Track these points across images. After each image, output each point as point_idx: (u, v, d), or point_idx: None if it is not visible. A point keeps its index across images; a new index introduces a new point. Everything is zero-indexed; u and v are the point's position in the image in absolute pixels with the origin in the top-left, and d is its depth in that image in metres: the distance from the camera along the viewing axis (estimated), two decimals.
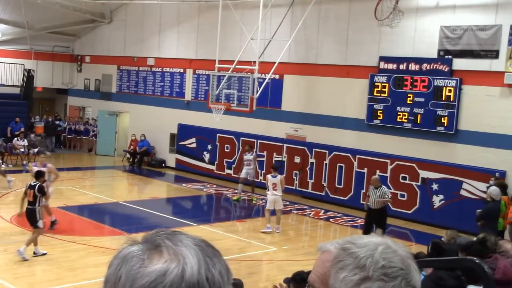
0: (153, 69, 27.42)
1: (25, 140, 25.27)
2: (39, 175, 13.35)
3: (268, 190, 16.25)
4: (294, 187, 21.45)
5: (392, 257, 1.42)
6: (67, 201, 18.71)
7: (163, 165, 26.31)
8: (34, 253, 12.67)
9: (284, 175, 18.51)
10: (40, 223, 12.78)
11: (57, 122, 30.34)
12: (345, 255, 1.44)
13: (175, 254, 1.24)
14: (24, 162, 24.60)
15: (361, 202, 17.92)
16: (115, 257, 1.28)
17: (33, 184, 12.99)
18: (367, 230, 14.65)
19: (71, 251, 13.34)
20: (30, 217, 12.81)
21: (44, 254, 12.73)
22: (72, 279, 11.53)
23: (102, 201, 19.21)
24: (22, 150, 24.91)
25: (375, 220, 14.73)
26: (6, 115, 26.92)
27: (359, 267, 1.41)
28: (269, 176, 16.49)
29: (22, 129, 26.52)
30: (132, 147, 27.12)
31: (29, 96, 29.35)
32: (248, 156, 20.67)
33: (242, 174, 20.66)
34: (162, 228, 1.33)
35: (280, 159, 21.81)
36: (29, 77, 29.32)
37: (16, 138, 25.11)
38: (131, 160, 26.93)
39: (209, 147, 24.34)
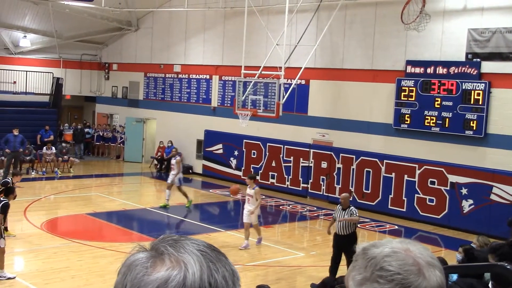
0: (180, 76, 27.58)
1: (53, 148, 25.57)
2: (8, 191, 12.55)
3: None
4: (321, 192, 21.39)
5: (393, 261, 1.44)
6: (96, 208, 18.88)
7: (190, 171, 26.42)
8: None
9: (311, 180, 18.35)
10: (2, 242, 11.62)
11: (85, 130, 30.66)
12: (360, 256, 1.50)
13: (177, 261, 1.26)
14: (55, 169, 24.88)
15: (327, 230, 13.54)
16: (122, 265, 1.31)
17: None
18: (335, 261, 12.22)
19: (100, 257, 13.44)
20: None
21: (10, 278, 11.65)
22: (101, 285, 11.61)
23: (130, 208, 19.35)
24: (51, 157, 25.20)
25: (344, 247, 11.90)
26: (36, 122, 27.26)
27: (364, 268, 1.46)
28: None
29: (51, 137, 26.85)
30: (159, 153, 27.30)
31: (58, 104, 29.70)
32: (172, 161, 20.12)
33: (168, 180, 19.95)
34: (168, 234, 1.34)
35: (306, 164, 21.76)
36: (58, 85, 29.68)
37: (45, 147, 25.41)
38: (158, 166, 27.09)
39: (236, 153, 24.38)
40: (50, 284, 11.42)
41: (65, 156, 25.61)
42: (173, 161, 19.71)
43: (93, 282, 11.72)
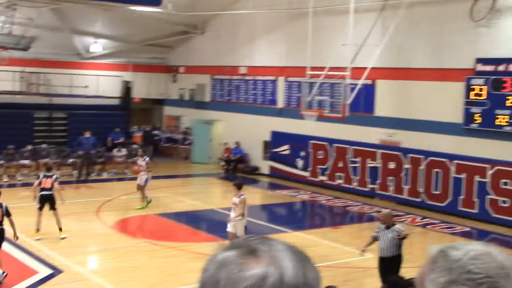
0: (245, 77, 27.81)
1: (122, 150, 26.20)
2: None
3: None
4: (389, 193, 21.15)
5: (481, 263, 1.41)
6: (165, 209, 19.25)
7: (256, 172, 26.59)
8: None
9: (382, 182, 18.10)
10: None
11: (154, 132, 31.28)
12: (439, 257, 1.47)
13: (272, 259, 1.27)
14: (125, 171, 25.50)
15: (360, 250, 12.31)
16: (210, 261, 1.32)
17: None
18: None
19: (170, 257, 13.71)
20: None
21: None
22: (171, 284, 11.86)
23: (198, 208, 19.64)
24: (122, 159, 25.84)
25: (390, 271, 10.57)
26: (106, 125, 28.04)
27: (447, 270, 1.43)
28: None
29: (122, 139, 27.54)
30: (226, 154, 27.60)
31: (128, 106, 30.46)
32: (141, 162, 19.95)
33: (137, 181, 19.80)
34: (251, 235, 1.38)
35: (374, 165, 21.57)
36: (127, 88, 30.44)
37: (115, 149, 26.08)
38: (225, 167, 27.38)
39: (302, 153, 24.38)
40: (124, 282, 11.74)
41: (135, 158, 26.20)
42: (142, 162, 19.67)
43: (164, 282, 11.97)
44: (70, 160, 24.79)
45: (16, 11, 25.88)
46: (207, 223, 18.57)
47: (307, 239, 15.63)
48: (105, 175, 25.17)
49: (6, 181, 22.69)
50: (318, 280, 1.31)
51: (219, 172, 27.22)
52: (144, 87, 32.35)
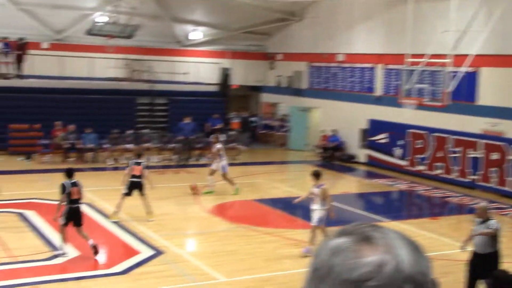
0: (343, 64, 27.60)
1: (220, 136, 26.62)
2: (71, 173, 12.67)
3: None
4: (491, 185, 20.45)
5: None
6: (262, 194, 19.50)
7: (353, 160, 26.40)
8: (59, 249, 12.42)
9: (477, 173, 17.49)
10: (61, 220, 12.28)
11: (251, 118, 31.64)
12: None
13: (388, 246, 1.25)
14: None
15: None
16: (322, 247, 1.31)
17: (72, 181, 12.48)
18: (470, 284, 10.19)
19: (266, 243, 13.90)
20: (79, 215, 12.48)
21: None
22: (266, 269, 12.03)
23: (294, 195, 19.71)
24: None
25: (480, 270, 9.86)
26: (204, 111, 28.64)
27: None
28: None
29: (220, 125, 28.05)
30: (323, 142, 27.56)
31: (226, 93, 30.95)
32: (214, 148, 19.74)
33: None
34: (359, 222, 1.34)
35: (475, 155, 20.90)
36: (226, 75, 30.92)
37: (214, 135, 26.55)
38: (322, 155, 27.34)
39: (401, 142, 23.96)
40: (221, 266, 12.02)
41: (233, 144, 26.64)
42: (214, 149, 19.61)
43: (260, 267, 12.16)
44: (171, 145, 25.49)
45: (121, 0, 26.87)
46: (303, 210, 18.58)
47: (404, 229, 15.36)
48: (203, 160, 25.72)
49: (111, 164, 23.69)
50: (430, 269, 1.29)
51: (316, 160, 27.20)
52: (242, 74, 32.73)
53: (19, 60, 26.71)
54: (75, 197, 12.26)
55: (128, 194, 15.15)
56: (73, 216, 12.23)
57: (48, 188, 17.45)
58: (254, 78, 33.10)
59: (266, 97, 33.19)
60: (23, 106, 25.74)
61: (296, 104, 30.06)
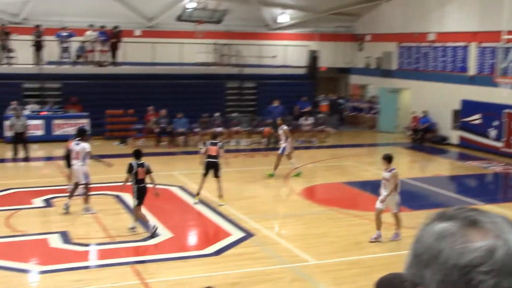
0: (434, 44, 26.87)
1: (310, 118, 26.61)
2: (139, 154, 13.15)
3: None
4: None
5: None
6: (351, 177, 19.39)
7: (445, 142, 25.76)
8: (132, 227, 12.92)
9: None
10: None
11: (340, 101, 31.41)
12: None
13: (498, 231, 1.22)
14: (312, 139, 25.96)
15: None
16: (425, 232, 1.28)
17: (139, 163, 12.85)
18: None
19: (355, 226, 13.84)
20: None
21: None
22: (357, 252, 12.00)
23: None
24: (309, 128, 26.31)
25: None
26: (293, 94, 28.67)
27: None
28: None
29: (308, 108, 28.02)
30: (413, 123, 27.02)
31: (314, 76, 30.83)
32: (279, 131, 19.20)
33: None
34: (459, 206, 1.31)
35: None
36: (314, 57, 30.79)
37: (302, 118, 26.59)
38: (412, 137, 26.83)
39: (496, 123, 23.15)
40: (310, 248, 12.08)
41: (322, 126, 26.57)
42: (280, 131, 19.20)
43: (349, 249, 12.14)
44: (260, 128, 25.68)
45: None
46: None
47: (500, 213, 14.92)
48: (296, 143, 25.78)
49: (201, 148, 24.13)
50: None
51: (406, 142, 26.74)
52: (330, 56, 32.50)
53: (114, 48, 27.63)
54: (140, 177, 12.74)
55: (205, 174, 15.39)
56: (144, 195, 12.79)
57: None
58: (343, 60, 32.80)
59: (354, 79, 32.84)
60: (118, 92, 26.64)
61: (386, 86, 29.58)
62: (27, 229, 13.08)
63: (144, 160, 13.12)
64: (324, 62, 32.02)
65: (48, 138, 24.37)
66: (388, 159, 12.61)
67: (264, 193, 17.38)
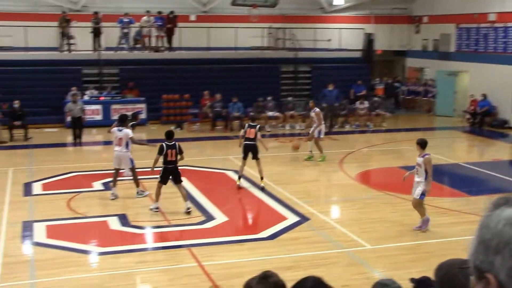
0: (495, 25, 26.15)
1: (366, 102, 26.32)
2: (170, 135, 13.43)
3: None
4: None
5: None
6: (407, 161, 19.12)
7: (505, 125, 25.14)
8: (187, 208, 13.25)
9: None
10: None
11: (395, 84, 30.97)
12: None
13: None
14: (368, 123, 25.72)
15: None
16: (491, 218, 1.27)
17: (171, 144, 13.14)
18: None
19: (412, 211, 13.61)
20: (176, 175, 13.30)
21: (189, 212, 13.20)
22: (413, 237, 11.88)
23: (441, 162, 19.19)
24: (364, 111, 26.05)
25: None
26: (348, 78, 28.42)
27: None
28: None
29: (364, 91, 27.74)
30: (472, 107, 26.44)
31: (370, 59, 30.47)
32: (312, 113, 18.90)
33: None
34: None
35: None
36: (369, 40, 30.41)
37: (358, 101, 26.33)
38: (471, 120, 26.27)
39: None
40: (366, 233, 12.03)
41: (377, 110, 26.28)
42: (312, 114, 18.87)
43: (406, 235, 12.03)
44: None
45: None
46: (451, 177, 18.10)
47: None
48: (347, 127, 25.64)
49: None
50: None
51: (464, 126, 26.21)
52: (386, 38, 32.06)
53: (170, 33, 27.92)
54: (170, 158, 13.02)
55: (244, 157, 15.42)
56: (168, 175, 13.19)
57: (198, 156, 18.25)
58: (399, 42, 32.30)
59: (411, 62, 32.30)
60: (174, 77, 26.94)
61: (443, 68, 29.00)
62: (87, 212, 13.43)
63: (175, 141, 13.37)
64: (380, 45, 31.61)
65: (106, 123, 24.76)
66: (422, 144, 12.07)
67: (319, 177, 17.36)
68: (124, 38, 27.72)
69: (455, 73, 28.50)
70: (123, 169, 14.61)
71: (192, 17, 29.96)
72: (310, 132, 18.82)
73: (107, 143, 22.64)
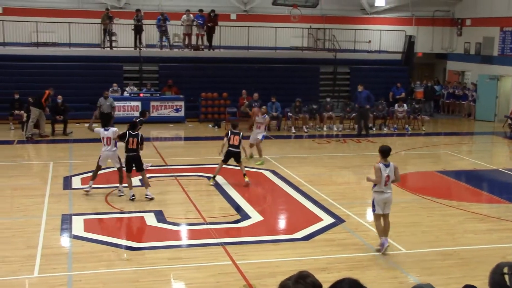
0: None
1: (405, 105, 26.06)
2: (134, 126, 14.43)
3: None
4: None
5: None
6: (446, 166, 18.92)
7: None
8: (146, 195, 14.08)
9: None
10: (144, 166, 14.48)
11: (435, 87, 30.61)
12: None
13: None
14: (406, 126, 25.47)
15: None
16: None
17: (134, 133, 14.10)
18: None
19: (450, 216, 13.52)
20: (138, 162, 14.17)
21: (152, 198, 14.01)
22: (450, 243, 11.72)
23: (480, 167, 18.93)
24: (403, 114, 25.80)
25: None
26: (387, 80, 28.20)
27: None
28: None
29: (403, 94, 27.47)
30: None
31: (410, 61, 30.17)
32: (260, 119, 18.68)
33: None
34: None
35: None
36: (410, 43, 30.11)
37: (396, 104, 26.08)
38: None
39: None
40: (401, 237, 11.92)
41: (416, 114, 25.99)
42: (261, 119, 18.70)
43: (443, 240, 11.88)
44: (353, 114, 25.36)
45: None
46: (490, 183, 17.83)
47: None
48: (385, 130, 25.43)
49: (294, 133, 24.24)
50: None
51: (506, 131, 25.77)
52: (427, 41, 31.72)
53: (210, 31, 28.07)
54: (130, 146, 14.01)
55: (224, 161, 15.65)
56: (131, 163, 14.08)
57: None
58: (440, 45, 31.92)
59: (452, 65, 31.88)
60: (213, 75, 27.09)
61: (485, 72, 28.55)
62: (124, 207, 13.60)
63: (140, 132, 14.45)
64: (421, 48, 31.30)
65: (145, 120, 25.13)
66: (382, 152, 11.19)
67: (355, 179, 17.26)
68: (164, 36, 27.98)
69: (498, 77, 28.03)
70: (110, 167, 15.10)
71: (233, 16, 30.09)
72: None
73: (145, 139, 22.90)
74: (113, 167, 14.86)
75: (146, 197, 14.04)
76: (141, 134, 14.22)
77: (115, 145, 14.52)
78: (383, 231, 10.97)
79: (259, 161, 18.28)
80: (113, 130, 14.48)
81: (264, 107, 19.97)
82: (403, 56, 30.16)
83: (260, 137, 18.48)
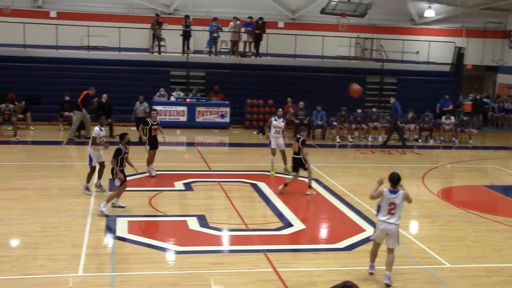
0: None
1: (452, 118, 25.66)
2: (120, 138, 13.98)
3: None
4: None
5: None
6: (493, 180, 18.56)
7: None
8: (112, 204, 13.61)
9: None
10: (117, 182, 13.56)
11: (485, 100, 30.08)
12: None
13: None
14: (453, 139, 25.10)
15: None
16: None
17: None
18: None
19: (496, 231, 13.25)
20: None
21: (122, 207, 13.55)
22: (497, 259, 11.48)
23: None
24: (450, 127, 25.42)
25: None
26: (435, 91, 27.82)
27: None
28: None
29: (450, 106, 27.07)
30: None
31: (459, 73, 29.73)
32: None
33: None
34: None
35: None
36: (459, 54, 29.68)
37: (444, 116, 25.69)
38: None
39: None
40: (446, 251, 11.72)
41: (463, 127, 25.58)
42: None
43: (489, 255, 11.64)
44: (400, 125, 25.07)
45: None
46: None
47: None
48: (431, 142, 25.09)
49: (338, 142, 24.11)
50: None
51: None
52: (477, 53, 31.24)
53: (258, 39, 28.19)
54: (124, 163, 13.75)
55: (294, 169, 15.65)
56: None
57: (278, 162, 18.30)
58: (490, 57, 31.39)
59: (503, 78, 31.30)
60: (259, 82, 27.18)
61: None
62: (167, 210, 13.72)
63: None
64: (470, 60, 30.84)
65: (190, 125, 25.39)
66: (390, 180, 10.28)
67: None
68: (213, 43, 28.22)
69: None
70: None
71: (280, 24, 30.17)
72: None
73: (190, 144, 23.12)
74: (156, 172, 14.99)
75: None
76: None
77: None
78: (376, 257, 10.26)
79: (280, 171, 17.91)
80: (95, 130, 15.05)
81: (280, 109, 19.27)
82: (452, 68, 29.73)
83: (282, 143, 17.95)
